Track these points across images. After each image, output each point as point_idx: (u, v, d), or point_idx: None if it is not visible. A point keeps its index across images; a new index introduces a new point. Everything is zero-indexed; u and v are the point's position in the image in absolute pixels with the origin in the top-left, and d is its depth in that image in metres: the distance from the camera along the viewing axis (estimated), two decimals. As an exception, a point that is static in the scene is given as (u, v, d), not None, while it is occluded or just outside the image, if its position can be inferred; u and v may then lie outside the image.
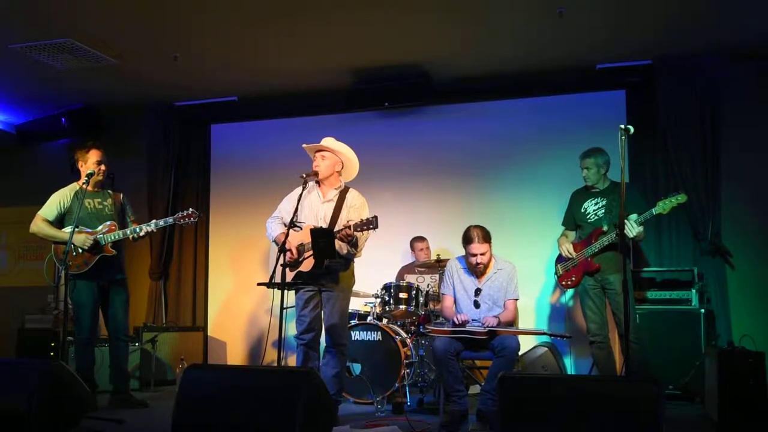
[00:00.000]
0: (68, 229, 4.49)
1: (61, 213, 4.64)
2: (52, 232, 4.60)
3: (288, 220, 4.04)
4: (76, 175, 4.78)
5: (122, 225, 4.73)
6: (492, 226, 4.28)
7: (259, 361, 6.17)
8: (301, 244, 4.11)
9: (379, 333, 4.93)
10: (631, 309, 4.25)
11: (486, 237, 4.19)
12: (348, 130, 5.81)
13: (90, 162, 4.66)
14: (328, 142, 4.30)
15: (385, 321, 5.17)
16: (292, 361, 5.83)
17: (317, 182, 4.30)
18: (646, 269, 5.30)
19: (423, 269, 5.63)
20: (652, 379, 2.53)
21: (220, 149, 6.88)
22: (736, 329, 5.08)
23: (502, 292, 4.24)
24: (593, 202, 4.62)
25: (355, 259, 4.30)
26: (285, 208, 4.32)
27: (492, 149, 6.06)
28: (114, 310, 4.72)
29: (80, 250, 4.53)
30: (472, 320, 4.16)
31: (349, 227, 3.89)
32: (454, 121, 6.18)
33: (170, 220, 4.65)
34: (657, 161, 5.57)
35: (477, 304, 4.24)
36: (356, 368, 4.90)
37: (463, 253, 4.31)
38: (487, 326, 4.02)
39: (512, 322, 4.30)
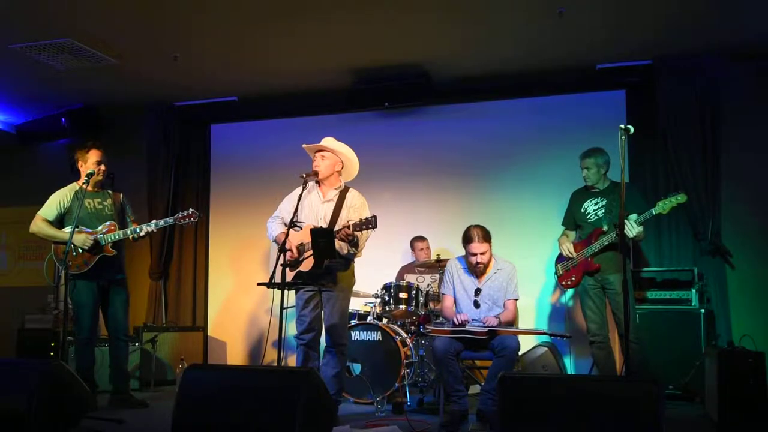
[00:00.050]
0: (68, 229, 4.49)
1: (61, 213, 4.64)
2: (52, 232, 4.60)
3: (288, 220, 4.04)
4: (76, 175, 4.78)
5: (122, 225, 4.73)
6: (492, 226, 4.28)
7: (259, 361, 6.17)
8: (301, 244, 4.11)
9: (379, 333, 4.93)
10: (631, 309, 4.25)
11: (486, 237, 4.19)
12: (348, 130, 5.81)
13: (90, 162, 4.66)
14: (328, 142, 4.30)
15: (385, 321, 5.17)
16: (292, 361, 5.83)
17: (317, 182, 4.30)
18: (646, 269, 5.30)
19: (423, 269, 5.63)
20: (652, 379, 2.53)
21: (220, 149, 6.88)
22: (736, 329, 5.08)
23: (502, 292, 4.24)
24: (593, 202, 4.62)
25: (356, 259, 4.30)
26: (285, 208, 4.32)
27: (492, 149, 6.06)
28: (114, 310, 4.72)
29: (80, 250, 4.53)
30: (472, 320, 4.16)
31: (348, 227, 3.90)
32: (454, 121, 6.18)
33: (170, 220, 4.65)
34: (657, 161, 5.57)
35: (477, 304, 4.24)
36: (356, 368, 4.90)
37: (463, 253, 4.31)
38: (488, 326, 4.02)
39: (512, 322, 4.30)
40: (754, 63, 5.37)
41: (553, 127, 5.85)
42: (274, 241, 4.29)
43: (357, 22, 4.91)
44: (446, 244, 5.69)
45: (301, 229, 4.15)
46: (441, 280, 4.66)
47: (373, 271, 5.52)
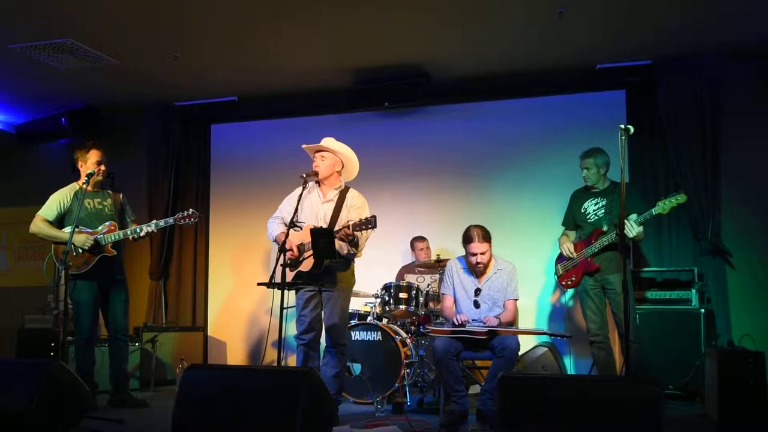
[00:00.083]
0: (68, 230, 4.49)
1: (61, 213, 4.64)
2: (52, 232, 4.60)
3: (288, 220, 4.04)
4: (76, 175, 4.78)
5: (122, 225, 4.73)
6: (492, 226, 4.28)
7: (259, 361, 6.17)
8: (302, 244, 4.11)
9: (379, 333, 4.93)
10: (631, 309, 4.25)
11: (486, 236, 4.19)
12: (348, 130, 5.81)
13: (90, 162, 4.65)
14: (328, 142, 4.30)
15: (385, 321, 5.17)
16: (292, 361, 5.83)
17: (317, 182, 4.30)
18: (646, 269, 5.29)
19: (423, 269, 5.63)
20: (652, 379, 2.54)
21: (220, 149, 6.88)
22: (736, 329, 5.08)
23: (502, 293, 4.24)
24: (593, 202, 4.62)
25: (356, 259, 4.30)
26: (285, 208, 4.33)
27: (492, 149, 6.06)
28: (114, 310, 4.72)
29: (80, 251, 4.53)
30: (472, 320, 4.16)
31: (348, 227, 3.90)
32: (454, 121, 6.18)
33: (170, 220, 4.65)
34: (657, 161, 5.57)
35: (477, 304, 4.24)
36: (356, 368, 4.90)
37: (463, 253, 4.31)
38: (488, 326, 4.02)
39: (512, 322, 4.30)
40: (754, 63, 5.37)
41: (553, 127, 5.85)
42: (275, 241, 4.29)
43: (357, 22, 4.91)
44: (446, 244, 5.69)
45: (301, 229, 4.15)
46: (441, 280, 4.66)
47: (373, 271, 5.53)
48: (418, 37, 5.18)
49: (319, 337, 4.23)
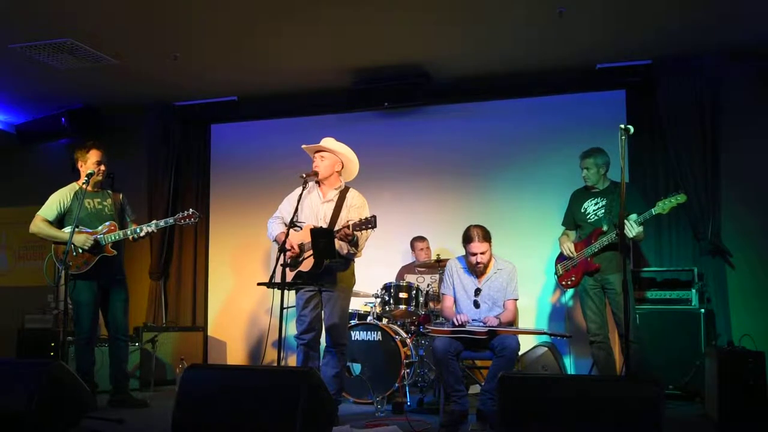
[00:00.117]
0: (68, 229, 4.49)
1: (61, 213, 4.64)
2: (52, 232, 4.60)
3: (288, 220, 4.04)
4: (76, 175, 4.78)
5: (122, 225, 4.73)
6: (492, 226, 4.28)
7: (259, 361, 6.17)
8: (302, 244, 4.11)
9: (379, 333, 4.93)
10: (631, 309, 4.25)
11: (486, 236, 4.19)
12: (348, 130, 5.82)
13: (90, 162, 4.65)
14: (328, 142, 4.30)
15: (385, 321, 5.17)
16: (292, 361, 5.83)
17: (317, 182, 4.30)
18: (646, 269, 5.29)
19: (423, 269, 5.63)
20: (653, 379, 2.54)
21: (220, 149, 6.88)
22: (736, 329, 5.08)
23: (502, 293, 4.24)
24: (593, 202, 4.62)
25: (356, 259, 4.30)
26: (285, 208, 4.33)
27: (492, 149, 6.06)
28: (114, 310, 4.72)
29: (80, 251, 4.53)
30: (472, 320, 4.16)
31: (347, 227, 3.90)
32: (454, 121, 6.18)
33: (171, 220, 4.66)
34: (657, 161, 5.57)
35: (477, 304, 4.24)
36: (356, 368, 4.90)
37: (463, 253, 4.31)
38: (488, 326, 4.02)
39: (512, 322, 4.30)
40: (754, 63, 5.37)
41: (553, 127, 5.85)
42: (275, 240, 4.29)
43: (357, 22, 4.91)
44: (446, 244, 5.69)
45: (301, 229, 4.15)
46: (441, 280, 4.66)
47: (373, 271, 5.53)
48: (418, 37, 5.18)
49: (319, 337, 4.23)
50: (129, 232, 4.60)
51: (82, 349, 4.63)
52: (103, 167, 4.69)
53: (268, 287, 3.82)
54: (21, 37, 5.08)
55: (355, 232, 3.92)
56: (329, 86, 6.14)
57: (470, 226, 4.24)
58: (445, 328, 4.11)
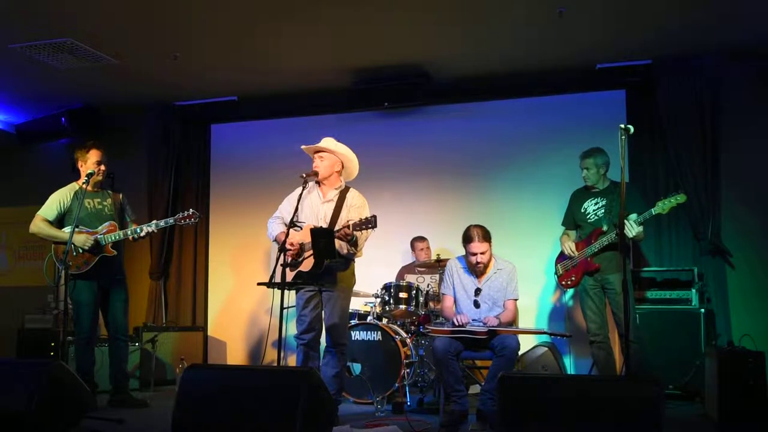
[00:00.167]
0: (68, 229, 4.49)
1: (61, 213, 4.64)
2: (53, 232, 4.60)
3: (288, 220, 4.04)
4: (76, 175, 4.78)
5: (122, 225, 4.73)
6: (492, 226, 4.28)
7: (259, 361, 6.17)
8: (302, 244, 4.11)
9: (379, 333, 4.93)
10: (631, 309, 4.25)
11: (486, 236, 4.19)
12: (348, 130, 5.82)
13: (90, 162, 4.65)
14: (327, 142, 4.30)
15: (385, 321, 5.17)
16: (292, 361, 5.83)
17: (318, 182, 4.30)
18: (646, 269, 5.29)
19: (423, 269, 5.63)
20: (653, 379, 2.53)
21: (220, 149, 6.88)
22: (736, 329, 5.08)
23: (502, 292, 4.24)
24: (593, 202, 4.62)
25: (356, 259, 4.30)
26: (285, 208, 4.33)
27: (492, 149, 6.06)
28: (114, 310, 4.72)
29: (81, 251, 4.53)
30: (472, 320, 4.16)
31: (348, 226, 3.90)
32: (454, 121, 6.18)
33: (171, 220, 4.66)
34: (657, 161, 5.57)
35: (477, 304, 4.24)
36: (356, 368, 4.90)
37: (463, 253, 4.31)
38: (488, 326, 4.02)
39: (512, 322, 4.30)
40: (754, 63, 5.37)
41: (553, 127, 5.85)
42: (275, 240, 4.29)
43: (357, 22, 4.91)
44: (446, 244, 5.69)
45: (301, 229, 4.15)
46: (441, 280, 4.66)
47: (373, 271, 5.53)
48: (418, 37, 5.18)
49: (319, 337, 4.23)
50: (129, 232, 4.60)
51: (82, 349, 4.63)
52: (103, 167, 4.69)
53: (268, 287, 3.82)
54: (21, 37, 5.08)
55: (354, 232, 3.92)
56: (329, 86, 6.14)
57: (470, 226, 4.24)
58: (445, 328, 4.11)
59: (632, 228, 4.24)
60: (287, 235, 3.99)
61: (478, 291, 4.25)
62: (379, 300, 5.13)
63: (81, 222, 4.53)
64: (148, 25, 4.93)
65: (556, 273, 4.76)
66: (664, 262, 5.44)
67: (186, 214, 4.61)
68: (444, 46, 5.36)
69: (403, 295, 5.02)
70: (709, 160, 5.30)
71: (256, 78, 6.02)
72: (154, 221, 4.67)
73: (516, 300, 4.29)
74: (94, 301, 4.63)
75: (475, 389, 4.85)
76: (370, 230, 3.97)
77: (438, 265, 5.17)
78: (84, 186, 4.59)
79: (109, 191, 4.83)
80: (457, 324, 4.06)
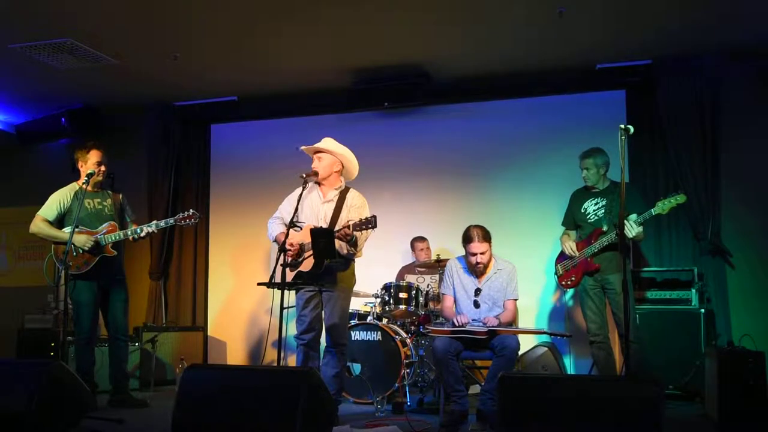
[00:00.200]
0: (68, 230, 4.49)
1: (61, 213, 4.64)
2: (53, 232, 4.60)
3: (288, 221, 4.04)
4: (76, 175, 4.78)
5: (122, 225, 4.73)
6: (492, 226, 4.28)
7: (259, 361, 6.17)
8: (302, 244, 4.11)
9: (379, 333, 4.93)
10: (631, 309, 4.25)
11: (486, 236, 4.19)
12: (348, 130, 5.82)
13: (90, 162, 4.65)
14: (327, 143, 4.30)
15: (385, 321, 5.17)
16: (292, 361, 5.83)
17: (318, 182, 4.30)
18: (646, 269, 5.29)
19: (423, 269, 5.63)
20: (652, 379, 2.54)
21: (220, 149, 6.88)
22: (736, 329, 5.08)
23: (502, 293, 4.24)
24: (593, 202, 4.62)
25: (356, 259, 4.30)
26: (285, 209, 4.33)
27: (492, 149, 6.06)
28: (114, 310, 4.72)
29: (81, 251, 4.53)
30: (472, 320, 4.16)
31: (348, 227, 3.90)
32: (454, 121, 6.18)
33: (171, 221, 4.66)
34: (657, 161, 5.57)
35: (477, 304, 4.24)
36: (356, 368, 4.90)
37: (463, 253, 4.31)
38: (488, 326, 4.02)
39: (512, 322, 4.30)
40: (754, 63, 5.37)
41: (553, 127, 5.85)
42: (275, 241, 4.29)
43: (357, 22, 4.91)
44: (446, 244, 5.69)
45: (301, 229, 4.15)
46: (441, 280, 4.66)
47: (373, 271, 5.53)
48: (418, 37, 5.18)
49: (319, 337, 4.23)
50: (129, 233, 4.60)
51: (82, 349, 4.63)
52: (103, 167, 4.69)
53: (268, 287, 3.82)
54: (21, 37, 5.08)
55: (354, 233, 3.92)
56: (329, 86, 6.14)
57: (470, 226, 4.24)
58: (445, 328, 4.11)
59: (632, 228, 4.24)
60: (287, 235, 3.99)
61: (478, 291, 4.25)
62: (379, 300, 5.13)
63: (81, 222, 4.53)
64: (148, 25, 4.93)
65: (556, 273, 4.76)
66: (664, 262, 5.44)
67: (186, 214, 4.61)
68: (444, 46, 5.36)
69: (403, 295, 5.02)
70: (709, 160, 5.30)
71: (256, 78, 6.02)
72: (155, 221, 4.67)
73: (516, 300, 4.29)
74: (94, 301, 4.63)
75: (475, 389, 4.85)
76: (370, 230, 3.97)
77: (438, 265, 5.17)
78: (84, 186, 4.59)
79: (109, 191, 4.83)
80: (457, 324, 4.06)
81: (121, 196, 4.87)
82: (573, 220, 4.75)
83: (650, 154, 5.59)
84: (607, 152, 4.59)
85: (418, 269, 5.67)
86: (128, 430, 3.87)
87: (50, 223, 4.61)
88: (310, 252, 4.01)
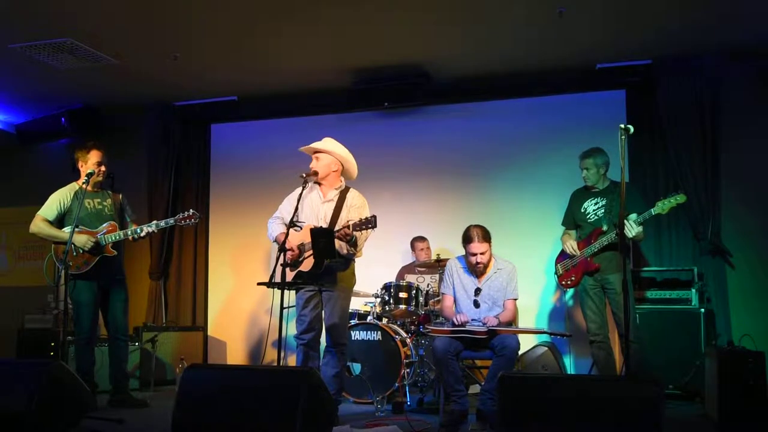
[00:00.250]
0: (68, 229, 4.49)
1: (61, 213, 4.64)
2: (53, 232, 4.60)
3: (288, 220, 4.04)
4: (76, 175, 4.78)
5: (122, 225, 4.73)
6: (492, 226, 4.28)
7: (259, 361, 6.17)
8: (302, 244, 4.11)
9: (379, 333, 4.93)
10: (631, 309, 4.25)
11: (486, 236, 4.19)
12: (348, 130, 5.82)
13: (90, 162, 4.65)
14: (327, 143, 4.30)
15: (385, 321, 5.17)
16: (292, 361, 5.83)
17: (318, 182, 4.30)
18: (646, 269, 5.29)
19: (423, 269, 5.63)
20: (652, 379, 2.54)
21: (220, 149, 6.88)
22: (736, 329, 5.08)
23: (502, 292, 4.24)
24: (593, 202, 4.62)
25: (356, 259, 4.30)
26: (286, 208, 4.33)
27: (492, 149, 6.06)
28: (114, 309, 4.72)
29: (81, 251, 4.53)
30: (472, 320, 4.16)
31: (348, 227, 3.90)
32: (454, 121, 6.18)
33: (171, 221, 4.66)
34: (657, 161, 5.57)
35: (477, 304, 4.24)
36: (356, 368, 4.90)
37: (463, 253, 4.31)
38: (488, 326, 4.02)
39: (512, 322, 4.30)
40: (754, 63, 5.37)
41: (553, 127, 5.85)
42: (275, 241, 4.29)
43: (357, 22, 4.91)
44: (446, 244, 5.69)
45: (301, 229, 4.15)
46: (441, 280, 4.66)
47: (373, 271, 5.53)
48: (418, 37, 5.18)
49: (319, 337, 4.23)
50: (129, 233, 4.60)
51: (82, 349, 4.63)
52: (103, 168, 4.69)
53: (268, 287, 3.82)
54: (21, 37, 5.08)
55: (354, 233, 3.92)
56: (329, 86, 6.14)
57: (470, 226, 4.24)
58: (445, 328, 4.11)
59: (632, 228, 4.24)
60: (287, 235, 3.99)
61: (478, 291, 4.25)
62: (379, 300, 5.13)
63: (81, 222, 4.53)
64: (148, 25, 4.93)
65: (556, 273, 4.76)
66: (664, 262, 5.44)
67: (186, 214, 4.62)
68: (444, 46, 5.36)
69: (403, 295, 5.02)
70: (709, 160, 5.30)
71: (256, 78, 6.02)
72: (155, 222, 4.68)
73: (516, 300, 4.29)
74: (94, 301, 4.63)
75: (475, 389, 4.85)
76: (370, 230, 3.97)
77: (438, 265, 5.17)
78: (84, 186, 4.59)
79: (109, 191, 4.83)
80: (456, 323, 4.06)
81: (121, 196, 4.87)
82: (573, 219, 4.75)
83: (650, 154, 5.59)
84: (607, 152, 4.59)
85: (418, 269, 5.67)
86: (128, 430, 3.87)
87: (50, 223, 4.61)
88: (310, 252, 4.01)
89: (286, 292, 3.78)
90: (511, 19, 4.85)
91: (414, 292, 5.04)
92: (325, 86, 6.15)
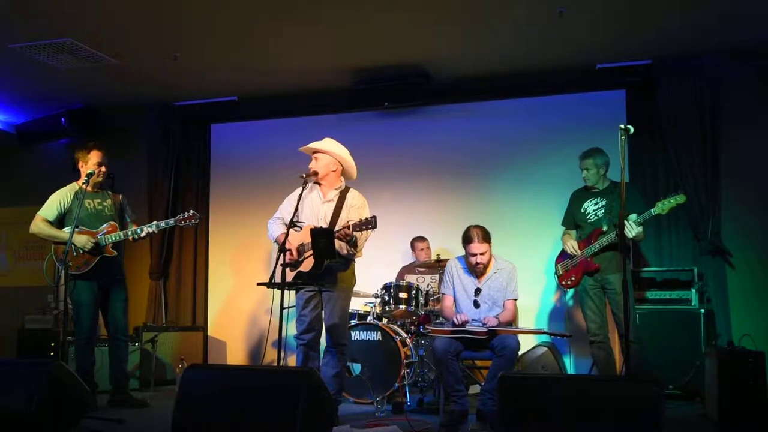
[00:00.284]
0: (68, 230, 4.49)
1: (61, 213, 4.64)
2: (53, 232, 4.60)
3: (288, 221, 4.04)
4: (76, 175, 4.78)
5: (122, 226, 4.73)
6: (492, 226, 4.28)
7: (259, 361, 6.17)
8: (302, 244, 4.11)
9: (379, 333, 4.93)
10: (631, 309, 4.25)
11: (486, 237, 4.19)
12: (348, 130, 5.82)
13: (90, 163, 4.65)
14: (327, 143, 4.30)
15: (385, 321, 5.17)
16: (292, 361, 5.83)
17: (318, 182, 4.30)
18: (646, 269, 5.29)
19: (423, 269, 5.63)
20: (652, 379, 2.54)
21: (220, 149, 6.88)
22: (736, 329, 5.08)
23: (502, 292, 4.24)
24: (593, 202, 4.62)
25: (356, 259, 4.30)
26: (286, 209, 4.33)
27: (492, 149, 6.06)
28: (114, 310, 4.72)
29: (81, 251, 4.53)
30: (472, 320, 4.16)
31: (348, 227, 3.90)
32: (454, 121, 6.18)
33: (171, 221, 4.66)
34: (657, 161, 5.57)
35: (477, 304, 4.24)
36: (356, 368, 4.90)
37: (463, 253, 4.31)
38: (488, 326, 4.02)
39: (512, 322, 4.30)
40: (754, 63, 5.37)
41: (553, 127, 5.85)
42: (275, 241, 4.29)
43: (357, 22, 4.91)
44: (446, 244, 5.69)
45: (302, 229, 4.15)
46: (441, 280, 4.66)
47: (373, 271, 5.53)
48: (418, 37, 5.18)
49: (319, 337, 4.23)
50: (129, 233, 4.60)
51: (82, 349, 4.63)
52: (103, 168, 4.69)
53: (268, 287, 3.82)
54: (21, 37, 5.08)
55: (354, 233, 3.92)
56: (329, 86, 6.14)
57: (470, 226, 4.24)
58: (445, 328, 4.11)
59: (632, 228, 4.24)
60: (287, 235, 3.99)
61: (478, 291, 4.25)
62: (379, 300, 5.13)
63: (81, 222, 4.53)
64: (148, 25, 4.93)
65: (556, 273, 4.76)
66: (664, 262, 5.44)
67: (186, 215, 4.62)
68: (444, 46, 5.36)
69: (403, 295, 5.02)
70: (709, 160, 5.30)
71: (256, 78, 6.02)
72: (155, 222, 4.67)
73: (516, 300, 4.29)
74: (94, 302, 4.63)
75: (475, 389, 4.85)
76: (370, 231, 3.97)
77: (438, 265, 5.17)
78: (84, 186, 4.59)
79: (109, 192, 4.83)
80: (456, 323, 4.06)
81: (121, 196, 4.87)
82: (573, 220, 4.75)
83: (650, 154, 5.59)
84: (607, 152, 4.59)
85: (418, 269, 5.67)
86: (128, 430, 3.87)
87: (50, 223, 4.61)
88: (310, 252, 4.01)
89: (286, 292, 3.78)
90: (511, 19, 4.85)
91: (414, 292, 5.04)
92: (325, 86, 6.15)
